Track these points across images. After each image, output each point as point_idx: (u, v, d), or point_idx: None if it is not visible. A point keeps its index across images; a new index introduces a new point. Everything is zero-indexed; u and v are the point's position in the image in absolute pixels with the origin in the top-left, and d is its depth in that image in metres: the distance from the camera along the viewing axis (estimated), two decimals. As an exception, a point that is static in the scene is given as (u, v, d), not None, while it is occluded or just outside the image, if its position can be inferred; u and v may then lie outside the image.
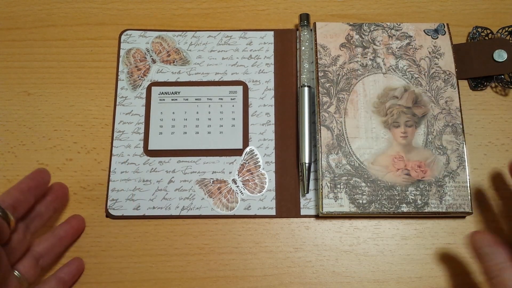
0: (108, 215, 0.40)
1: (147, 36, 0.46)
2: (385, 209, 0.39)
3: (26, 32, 0.46)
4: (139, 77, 0.44)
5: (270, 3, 0.47)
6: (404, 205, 0.39)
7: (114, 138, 0.42)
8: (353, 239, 0.40)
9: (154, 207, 0.40)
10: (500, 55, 0.43)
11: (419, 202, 0.39)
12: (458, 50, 0.44)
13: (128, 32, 0.46)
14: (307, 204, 0.41)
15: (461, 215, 0.40)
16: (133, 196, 0.41)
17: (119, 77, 0.44)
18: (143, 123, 0.43)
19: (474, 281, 0.38)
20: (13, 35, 0.46)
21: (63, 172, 0.42)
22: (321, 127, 0.41)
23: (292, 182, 0.41)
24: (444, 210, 0.39)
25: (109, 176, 0.41)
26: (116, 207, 0.40)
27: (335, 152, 0.40)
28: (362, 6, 0.47)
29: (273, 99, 0.44)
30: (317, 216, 0.40)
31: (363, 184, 0.40)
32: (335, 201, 0.39)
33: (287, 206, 0.41)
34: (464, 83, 0.44)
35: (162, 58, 0.45)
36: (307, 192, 0.40)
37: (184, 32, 0.46)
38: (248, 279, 0.39)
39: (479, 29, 0.45)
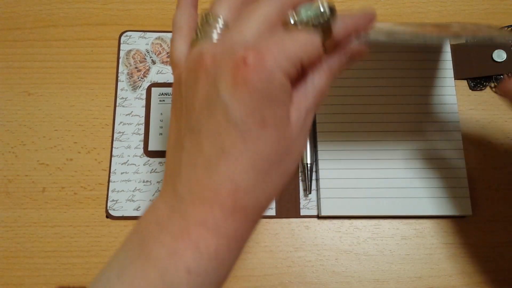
0: (108, 215, 0.40)
1: (146, 37, 0.46)
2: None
3: (26, 32, 0.46)
4: (139, 78, 0.44)
5: (270, 3, 0.47)
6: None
7: (114, 139, 0.42)
8: (353, 239, 0.40)
9: (154, 207, 0.40)
10: (500, 55, 0.43)
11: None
12: (457, 50, 0.44)
13: (128, 33, 0.46)
14: (307, 204, 0.41)
15: (460, 216, 0.40)
16: (133, 197, 0.41)
17: (119, 78, 0.44)
18: (143, 124, 0.43)
19: (474, 281, 0.38)
20: (14, 36, 0.46)
21: (64, 172, 0.42)
22: None
23: (292, 182, 0.41)
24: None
25: (109, 176, 0.41)
26: (116, 208, 0.40)
27: None
28: (362, 6, 0.47)
29: (273, 99, 0.44)
30: (317, 216, 0.40)
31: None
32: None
33: (287, 206, 0.41)
34: (463, 83, 0.44)
35: (162, 59, 0.45)
36: (310, 193, 0.40)
37: (184, 33, 0.46)
38: (248, 278, 0.39)
39: (479, 29, 0.45)
